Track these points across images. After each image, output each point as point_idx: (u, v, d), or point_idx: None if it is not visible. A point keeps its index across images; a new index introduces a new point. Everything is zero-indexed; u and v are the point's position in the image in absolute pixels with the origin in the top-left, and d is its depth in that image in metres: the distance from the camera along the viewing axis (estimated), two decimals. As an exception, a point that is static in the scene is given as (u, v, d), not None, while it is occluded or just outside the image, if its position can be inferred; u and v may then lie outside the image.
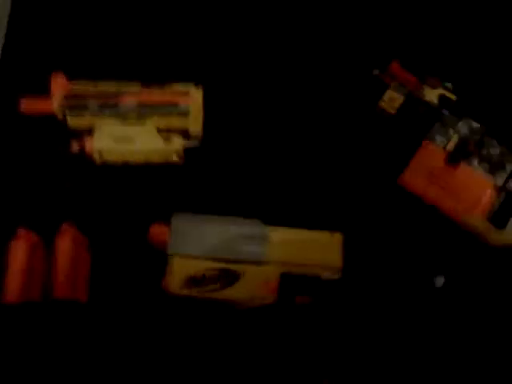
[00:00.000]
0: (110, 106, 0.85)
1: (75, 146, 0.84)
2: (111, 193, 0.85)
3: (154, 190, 0.85)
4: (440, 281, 0.79)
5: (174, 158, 0.85)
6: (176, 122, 0.86)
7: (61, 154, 0.87)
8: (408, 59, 0.92)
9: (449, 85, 0.90)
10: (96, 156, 0.84)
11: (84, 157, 0.85)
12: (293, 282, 0.73)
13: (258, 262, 0.73)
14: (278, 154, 0.89)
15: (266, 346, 0.75)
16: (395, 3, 0.98)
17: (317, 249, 0.74)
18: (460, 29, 0.97)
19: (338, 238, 0.75)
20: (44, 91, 0.85)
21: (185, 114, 0.85)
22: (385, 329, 0.78)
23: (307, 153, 0.89)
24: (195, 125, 0.85)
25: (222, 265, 0.72)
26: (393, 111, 0.89)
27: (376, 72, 0.92)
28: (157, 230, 0.75)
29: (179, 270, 0.72)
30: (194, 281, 0.71)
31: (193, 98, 0.85)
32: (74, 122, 0.86)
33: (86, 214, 0.83)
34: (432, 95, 0.90)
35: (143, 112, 0.85)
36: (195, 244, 0.73)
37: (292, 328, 0.76)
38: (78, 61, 0.95)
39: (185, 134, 0.86)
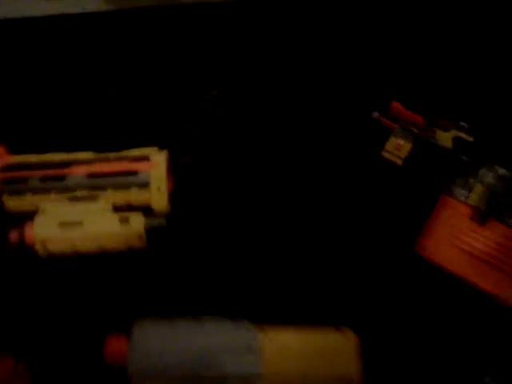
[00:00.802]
0: (55, 179, 0.69)
1: (14, 236, 0.67)
2: (57, 295, 0.68)
3: (110, 285, 0.68)
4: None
5: (135, 243, 0.68)
6: (135, 196, 0.69)
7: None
8: (411, 99, 0.77)
9: (464, 125, 0.73)
10: (38, 247, 0.67)
11: (25, 248, 0.68)
12: None
13: (248, 380, 0.55)
14: (266, 223, 0.72)
15: None
16: (394, 38, 0.83)
17: (325, 355, 0.56)
18: (468, 61, 0.82)
19: (351, 338, 0.57)
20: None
21: (145, 184, 0.68)
22: None
23: (304, 219, 0.72)
24: (159, 198, 0.69)
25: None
26: (399, 162, 0.73)
27: (375, 115, 0.76)
28: (114, 345, 0.58)
29: None
30: None
31: (154, 164, 0.69)
32: (12, 203, 0.70)
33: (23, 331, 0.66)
34: (445, 139, 0.74)
35: (95, 185, 0.69)
36: (163, 360, 0.56)
37: None
38: (23, 133, 0.80)
39: (147, 210, 0.69)
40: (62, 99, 0.82)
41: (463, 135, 0.74)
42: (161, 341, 0.57)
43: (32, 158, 0.72)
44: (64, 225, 0.67)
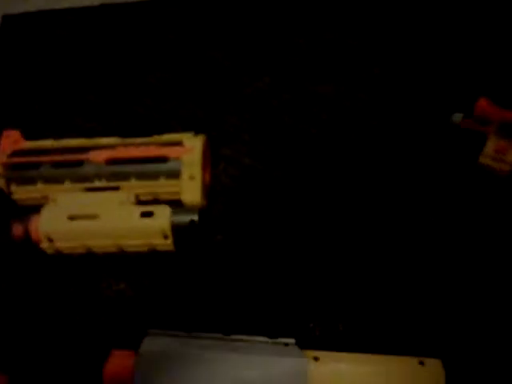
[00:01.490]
0: (70, 166, 0.57)
1: (17, 229, 0.55)
2: (55, 302, 0.55)
3: (123, 292, 0.54)
4: None
5: (159, 242, 0.54)
6: (164, 187, 0.56)
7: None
8: (496, 93, 0.62)
9: None
10: (44, 243, 0.54)
11: (30, 243, 0.56)
12: None
13: None
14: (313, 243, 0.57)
15: None
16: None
17: None
18: None
19: (435, 366, 0.40)
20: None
21: (175, 173, 0.55)
22: None
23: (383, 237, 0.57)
24: (191, 189, 0.55)
25: None
26: (506, 167, 0.58)
27: (457, 118, 0.61)
28: (116, 366, 0.43)
29: None
30: None
31: (188, 149, 0.56)
32: (20, 192, 0.58)
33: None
34: None
35: (116, 173, 0.56)
36: None
37: None
38: (48, 122, 0.70)
39: (177, 204, 0.55)
40: (95, 87, 0.72)
41: None
42: (175, 365, 0.42)
43: (47, 144, 0.60)
44: (75, 218, 0.54)
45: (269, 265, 0.55)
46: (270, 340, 0.44)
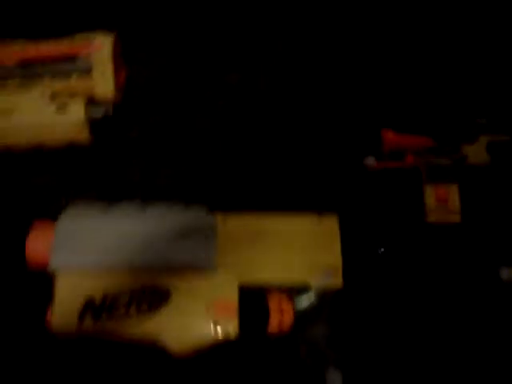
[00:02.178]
0: (-19, 70, 0.57)
1: None
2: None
3: (45, 183, 0.56)
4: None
5: (76, 135, 0.56)
6: (77, 84, 0.58)
7: None
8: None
9: (482, 121, 0.56)
10: (-39, 142, 0.56)
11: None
12: (259, 301, 0.45)
13: (203, 270, 0.44)
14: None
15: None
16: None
17: (299, 241, 0.45)
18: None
19: (331, 220, 0.46)
20: None
21: (87, 70, 0.57)
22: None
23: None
24: (103, 84, 0.57)
25: (138, 278, 0.44)
26: (457, 218, 0.52)
27: (370, 162, 0.55)
28: (37, 234, 0.47)
29: (68, 295, 0.43)
30: (92, 309, 0.43)
31: (98, 46, 0.57)
32: None
33: None
34: (477, 153, 0.54)
35: (29, 74, 0.57)
36: (92, 248, 0.45)
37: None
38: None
39: (91, 99, 0.57)
40: None
41: (495, 137, 0.54)
42: (90, 225, 0.46)
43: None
44: (-9, 116, 0.56)
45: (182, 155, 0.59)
46: (184, 205, 0.48)
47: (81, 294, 0.44)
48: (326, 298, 0.45)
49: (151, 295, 0.43)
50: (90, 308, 0.43)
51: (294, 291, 0.45)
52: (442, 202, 0.50)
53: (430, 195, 0.51)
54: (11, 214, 0.55)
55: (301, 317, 0.44)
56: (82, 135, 0.57)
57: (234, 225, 0.46)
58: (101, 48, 0.58)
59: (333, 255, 0.45)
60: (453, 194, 0.51)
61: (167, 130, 0.61)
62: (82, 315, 0.43)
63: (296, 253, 0.45)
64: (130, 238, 0.45)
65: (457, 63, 0.62)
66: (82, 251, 0.45)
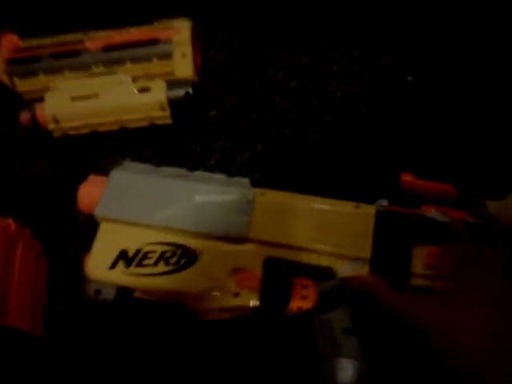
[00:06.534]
0: (68, 56, 0.61)
1: (24, 116, 0.60)
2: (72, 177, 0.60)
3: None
4: None
5: (157, 115, 0.58)
6: (158, 68, 0.60)
7: (8, 129, 0.62)
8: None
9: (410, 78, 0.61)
10: (51, 125, 0.59)
11: (38, 129, 0.60)
12: (285, 275, 0.44)
13: (234, 239, 0.45)
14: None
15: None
16: None
17: (334, 225, 0.45)
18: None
19: (368, 209, 0.45)
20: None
21: (167, 55, 0.59)
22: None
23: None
24: (184, 65, 0.59)
25: (172, 238, 0.46)
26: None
27: (383, 204, 0.47)
28: (89, 186, 0.49)
29: (106, 242, 0.46)
30: (124, 259, 0.45)
31: (177, 30, 0.60)
32: (23, 84, 0.62)
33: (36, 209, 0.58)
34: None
35: (112, 59, 0.60)
36: (135, 204, 0.47)
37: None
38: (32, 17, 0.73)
39: (171, 80, 0.60)
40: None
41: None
42: (138, 184, 0.48)
43: (45, 40, 0.64)
44: (78, 99, 0.59)
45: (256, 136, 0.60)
46: (227, 177, 0.49)
47: (117, 244, 0.46)
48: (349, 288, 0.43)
49: (180, 255, 0.45)
50: (123, 258, 0.45)
51: (319, 276, 0.44)
52: (431, 267, 0.43)
53: (419, 256, 0.43)
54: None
55: (322, 301, 0.43)
56: (164, 114, 0.59)
57: (271, 200, 0.46)
58: (180, 31, 0.60)
59: (363, 246, 0.44)
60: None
61: (243, 111, 0.62)
62: (114, 263, 0.45)
63: (328, 236, 0.44)
64: (171, 199, 0.46)
65: (490, 109, 0.60)
66: (125, 205, 0.47)
